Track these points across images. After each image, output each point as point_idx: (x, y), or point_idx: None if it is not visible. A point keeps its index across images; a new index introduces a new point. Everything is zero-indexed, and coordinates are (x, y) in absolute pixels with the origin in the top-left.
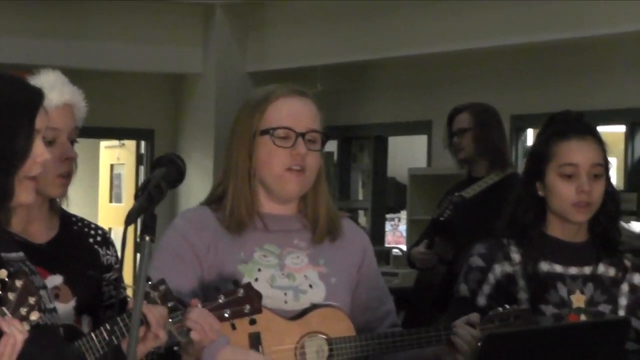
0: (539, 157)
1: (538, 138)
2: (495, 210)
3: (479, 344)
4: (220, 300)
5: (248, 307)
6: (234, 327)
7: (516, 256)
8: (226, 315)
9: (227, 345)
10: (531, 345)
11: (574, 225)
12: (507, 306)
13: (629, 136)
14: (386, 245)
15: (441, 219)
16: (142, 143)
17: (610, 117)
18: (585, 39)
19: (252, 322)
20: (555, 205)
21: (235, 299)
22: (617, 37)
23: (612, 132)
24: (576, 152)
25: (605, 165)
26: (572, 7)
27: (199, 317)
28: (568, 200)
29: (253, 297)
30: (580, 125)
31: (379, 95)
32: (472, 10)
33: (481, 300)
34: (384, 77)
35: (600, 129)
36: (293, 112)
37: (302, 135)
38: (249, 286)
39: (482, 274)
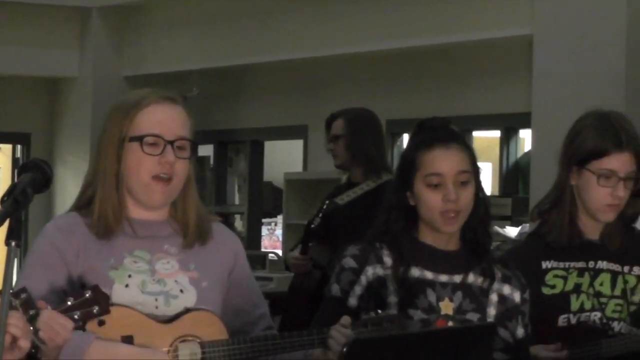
0: (407, 167)
1: (406, 147)
2: (370, 217)
3: (344, 349)
4: (69, 303)
5: (96, 308)
6: (84, 329)
7: (388, 260)
8: (76, 317)
9: (98, 339)
10: (397, 351)
11: (445, 234)
12: (380, 311)
13: (504, 141)
14: (262, 249)
15: (312, 226)
16: (19, 147)
17: (486, 122)
18: (460, 44)
19: (101, 323)
20: (424, 214)
21: (84, 301)
22: (492, 42)
23: (487, 137)
24: (440, 162)
25: (474, 171)
26: (447, 13)
27: (48, 318)
28: (435, 210)
29: (101, 299)
30: (445, 133)
31: (255, 100)
32: (348, 15)
33: (352, 301)
34: (260, 82)
35: (476, 134)
36: (163, 119)
37: (171, 143)
38: (96, 288)
39: (355, 275)
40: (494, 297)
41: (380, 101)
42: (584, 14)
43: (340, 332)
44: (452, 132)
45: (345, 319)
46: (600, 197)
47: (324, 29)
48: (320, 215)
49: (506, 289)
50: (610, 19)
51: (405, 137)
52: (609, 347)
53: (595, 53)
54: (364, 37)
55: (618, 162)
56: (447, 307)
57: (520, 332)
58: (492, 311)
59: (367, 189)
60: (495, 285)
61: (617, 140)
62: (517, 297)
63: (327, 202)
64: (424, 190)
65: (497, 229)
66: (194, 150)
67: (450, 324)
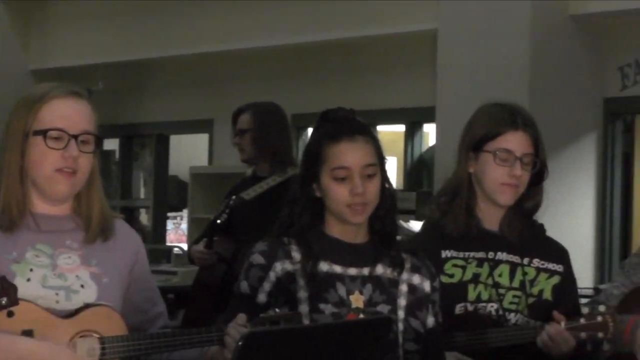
0: (312, 159)
1: (311, 139)
2: (276, 211)
3: (239, 342)
4: None
5: (5, 299)
6: None
7: (297, 255)
8: None
9: None
10: (292, 344)
11: (352, 225)
12: (278, 310)
13: (409, 136)
14: (168, 243)
15: (218, 222)
16: None
17: (390, 117)
18: (365, 38)
19: (10, 314)
20: (332, 207)
21: None
22: (396, 37)
23: (392, 131)
24: (347, 155)
25: (380, 162)
26: (352, 7)
27: None
28: (343, 202)
29: (9, 290)
30: (350, 125)
31: (160, 94)
32: (253, 9)
33: (262, 298)
34: (165, 76)
35: (380, 128)
36: (67, 113)
37: (75, 137)
38: (4, 279)
39: (263, 271)
40: (403, 288)
41: (286, 95)
42: (488, 8)
43: (237, 330)
44: (358, 124)
45: (241, 317)
46: (498, 176)
47: (229, 23)
48: (227, 211)
49: (416, 279)
50: (514, 13)
51: (311, 131)
52: (493, 336)
53: (499, 47)
54: (269, 31)
55: (514, 141)
56: (357, 300)
57: (430, 321)
58: (402, 302)
59: (273, 183)
60: (405, 276)
61: (512, 120)
62: (427, 286)
63: (233, 197)
64: (331, 183)
65: (402, 223)
66: (99, 144)
67: (361, 316)
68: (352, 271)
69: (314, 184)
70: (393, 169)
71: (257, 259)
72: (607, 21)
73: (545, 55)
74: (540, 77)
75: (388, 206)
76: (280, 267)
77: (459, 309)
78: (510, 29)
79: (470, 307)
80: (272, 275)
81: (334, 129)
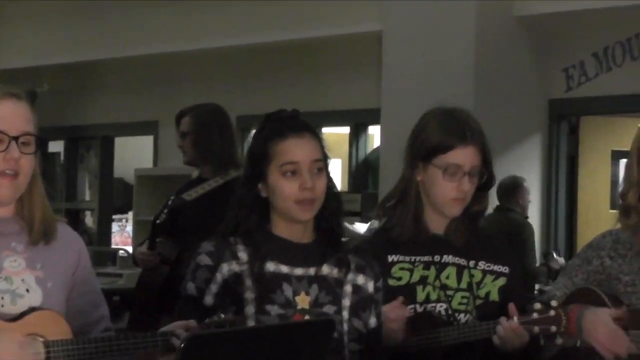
0: (258, 159)
1: (255, 139)
2: (218, 213)
3: (182, 345)
4: None
5: None
6: None
7: (243, 255)
8: None
9: None
10: (235, 346)
11: (299, 225)
12: (223, 315)
13: (354, 137)
14: (113, 246)
15: (157, 222)
16: None
17: (335, 119)
18: (311, 40)
19: None
20: (280, 204)
21: None
22: (341, 39)
23: (337, 133)
24: (295, 150)
25: (325, 161)
26: (297, 9)
27: None
28: (292, 198)
29: None
30: (296, 122)
31: (105, 96)
32: (199, 11)
33: (208, 299)
34: (110, 77)
35: (325, 130)
36: (6, 115)
37: (16, 138)
38: None
39: (210, 272)
40: (348, 288)
41: (231, 97)
42: (433, 10)
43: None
44: (303, 122)
45: (192, 322)
46: (446, 191)
47: (175, 24)
48: (166, 210)
49: (360, 279)
50: (459, 15)
51: None
52: (447, 335)
53: (444, 49)
54: (214, 33)
55: (463, 156)
56: (303, 301)
57: (372, 321)
58: (346, 302)
59: (215, 185)
60: (350, 276)
61: (461, 134)
62: (370, 286)
63: (172, 197)
64: (279, 179)
65: (347, 225)
66: (39, 145)
67: (307, 317)
68: (299, 271)
69: (260, 184)
70: (338, 170)
71: (204, 259)
72: (552, 22)
73: (490, 56)
74: (485, 78)
75: (334, 206)
76: (227, 268)
77: (408, 311)
78: (455, 30)
79: (419, 308)
80: (218, 277)
81: (280, 127)
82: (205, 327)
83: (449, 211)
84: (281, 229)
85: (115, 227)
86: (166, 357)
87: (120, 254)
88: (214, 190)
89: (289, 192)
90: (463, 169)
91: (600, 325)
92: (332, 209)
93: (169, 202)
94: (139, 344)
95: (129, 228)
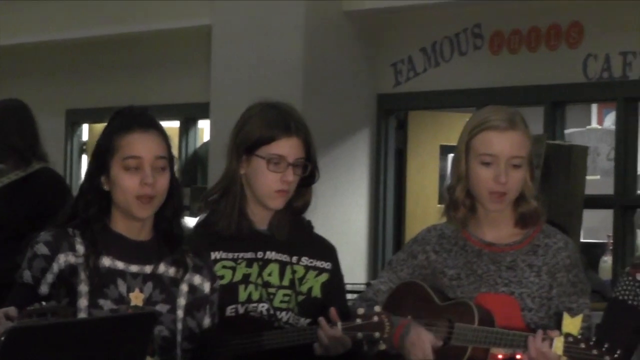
0: (103, 151)
1: (103, 132)
2: (18, 205)
3: (2, 338)
4: None
5: None
6: None
7: (81, 248)
8: None
9: None
10: (58, 339)
11: (138, 221)
12: (44, 303)
13: (183, 131)
14: None
15: None
16: None
17: (165, 113)
18: (140, 34)
19: None
20: (120, 198)
21: None
22: (170, 33)
23: (167, 127)
24: (139, 145)
25: (170, 158)
26: (128, 3)
27: None
28: (132, 193)
29: None
30: (144, 118)
31: None
32: (28, 4)
33: (44, 289)
34: None
35: None
36: None
37: None
38: None
39: (47, 262)
40: (184, 287)
41: (60, 91)
42: (262, 4)
43: (2, 324)
44: (151, 118)
45: (12, 310)
46: (270, 182)
47: (5, 17)
48: None
49: (197, 279)
50: (288, 9)
51: (85, 127)
52: (270, 339)
53: (273, 44)
54: (43, 26)
55: (287, 147)
56: (137, 298)
57: (207, 321)
58: (182, 301)
59: (15, 178)
60: (187, 276)
61: (285, 125)
62: (207, 287)
63: None
64: (121, 172)
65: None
66: None
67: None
68: (134, 268)
69: (103, 177)
70: None
71: (41, 249)
72: (380, 18)
73: (319, 51)
74: (314, 73)
75: (175, 206)
76: (63, 259)
77: (230, 310)
78: (284, 25)
79: (241, 309)
80: (55, 267)
81: (127, 121)
82: (27, 314)
83: (273, 203)
84: (120, 224)
85: None
86: None
87: None
88: (14, 183)
89: (129, 186)
90: (287, 160)
91: (418, 349)
92: (173, 209)
93: None
94: None
95: None
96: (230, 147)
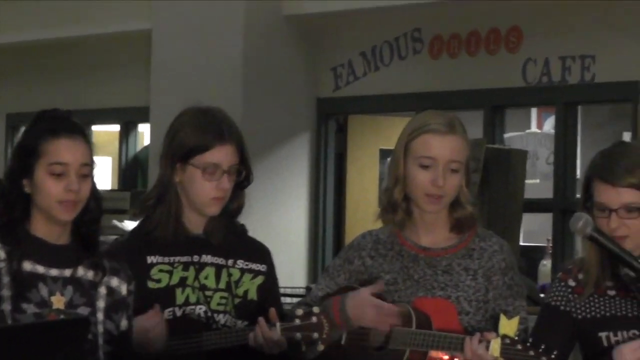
0: (27, 153)
1: (26, 134)
2: None
3: None
4: None
5: None
6: None
7: (1, 252)
8: None
9: None
10: None
11: (58, 225)
12: None
13: (124, 135)
14: None
15: None
16: None
17: (105, 117)
18: (80, 38)
19: None
20: (42, 202)
21: None
22: (110, 37)
23: (107, 131)
24: (66, 152)
25: (92, 166)
26: (67, 7)
27: None
28: (55, 198)
29: None
30: (69, 124)
31: None
32: None
33: None
34: None
35: (95, 128)
36: None
37: None
38: None
39: None
40: (102, 290)
41: (0, 95)
42: (202, 8)
43: None
44: (77, 124)
45: None
46: (206, 190)
47: None
48: None
49: (114, 282)
50: (228, 13)
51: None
52: (209, 340)
53: (213, 47)
54: None
55: (221, 155)
56: (58, 301)
57: (124, 323)
58: (101, 304)
59: None
60: (105, 278)
61: (219, 133)
62: (124, 289)
63: None
64: (46, 178)
65: (116, 222)
66: None
67: (61, 317)
68: (54, 272)
69: (25, 180)
70: (108, 168)
71: None
72: (320, 22)
73: (259, 55)
74: (254, 76)
75: (95, 212)
76: None
77: (167, 314)
78: (224, 29)
79: (178, 312)
80: None
81: (53, 125)
82: None
83: (209, 210)
84: (40, 228)
85: None
86: None
87: None
88: None
89: (53, 192)
90: (222, 167)
91: (363, 305)
92: (92, 215)
93: None
94: None
95: None
96: (163, 154)
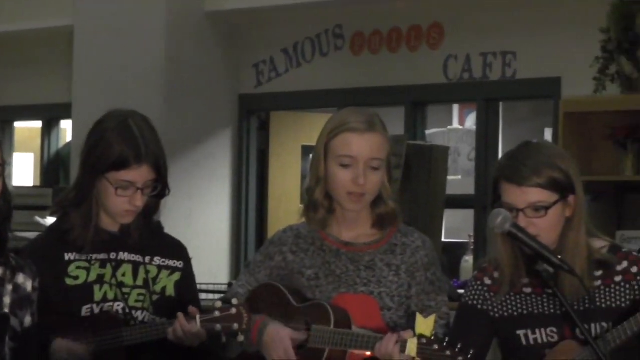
0: None
1: None
2: None
3: None
4: None
5: None
6: None
7: None
8: None
9: None
10: None
11: None
12: None
13: (46, 132)
14: None
15: None
16: None
17: (27, 113)
18: (1, 34)
19: None
20: None
21: None
22: (32, 33)
23: (29, 127)
24: None
25: (2, 165)
26: None
27: None
28: None
29: None
30: None
31: None
32: None
33: None
34: None
35: (17, 124)
36: None
37: None
38: None
39: None
40: (9, 287)
41: None
42: (124, 5)
43: None
44: None
45: None
46: (119, 204)
47: None
48: None
49: (20, 278)
50: (150, 10)
51: None
52: (129, 335)
53: (135, 44)
54: None
55: (136, 174)
56: None
57: (27, 320)
58: (7, 300)
59: None
60: (13, 276)
61: (136, 153)
62: (29, 286)
63: None
64: None
65: (38, 219)
66: None
67: None
68: None
69: None
70: (30, 165)
71: None
72: (242, 18)
73: (180, 51)
74: (176, 73)
75: (4, 210)
76: None
77: (85, 310)
78: (145, 26)
79: (96, 308)
80: None
81: None
82: None
83: (121, 220)
84: None
85: None
86: None
87: None
88: None
89: None
90: (136, 185)
91: (279, 342)
92: (2, 214)
93: None
94: None
95: None
96: (83, 160)
